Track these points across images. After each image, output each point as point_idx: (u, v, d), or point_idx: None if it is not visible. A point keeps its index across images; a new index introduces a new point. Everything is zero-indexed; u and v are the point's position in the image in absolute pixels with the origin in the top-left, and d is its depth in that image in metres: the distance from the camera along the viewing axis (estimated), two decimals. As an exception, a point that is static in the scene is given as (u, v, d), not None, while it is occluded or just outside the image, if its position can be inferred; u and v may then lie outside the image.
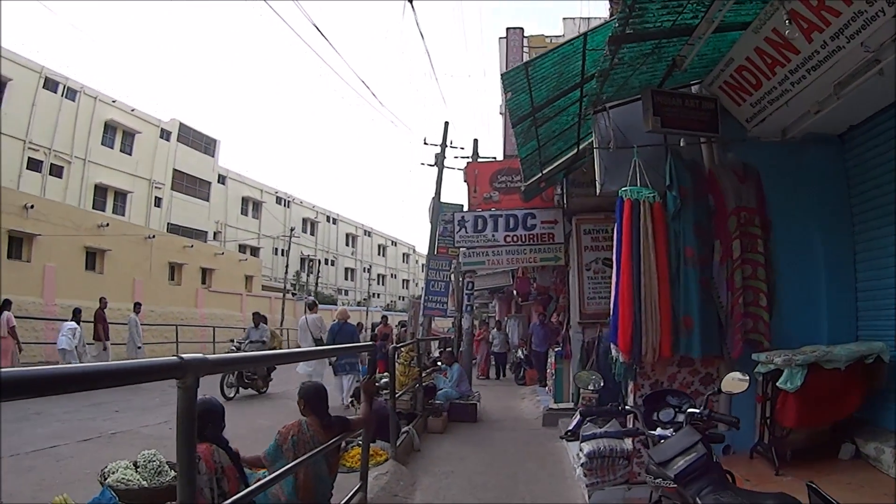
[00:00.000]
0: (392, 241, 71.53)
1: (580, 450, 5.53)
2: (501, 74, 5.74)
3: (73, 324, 13.87)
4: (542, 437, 8.33)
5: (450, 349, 12.87)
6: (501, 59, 22.94)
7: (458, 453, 7.46)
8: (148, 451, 4.24)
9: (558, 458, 7.03)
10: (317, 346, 10.60)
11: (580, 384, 3.53)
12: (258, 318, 13.66)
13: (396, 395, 7.23)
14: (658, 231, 4.95)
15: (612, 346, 5.05)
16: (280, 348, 13.87)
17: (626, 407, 3.41)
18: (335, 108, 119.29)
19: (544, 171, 8.80)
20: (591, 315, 9.24)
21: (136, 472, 4.04)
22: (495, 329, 17.39)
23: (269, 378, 12.79)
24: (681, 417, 3.24)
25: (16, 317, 12.83)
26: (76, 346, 13.70)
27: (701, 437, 2.90)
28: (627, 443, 5.37)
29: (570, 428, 7.44)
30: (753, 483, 4.35)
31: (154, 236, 27.00)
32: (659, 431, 3.15)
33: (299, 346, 12.16)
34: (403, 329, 16.52)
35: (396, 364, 9.46)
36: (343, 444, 5.35)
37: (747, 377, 3.09)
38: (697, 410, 3.08)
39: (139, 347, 15.61)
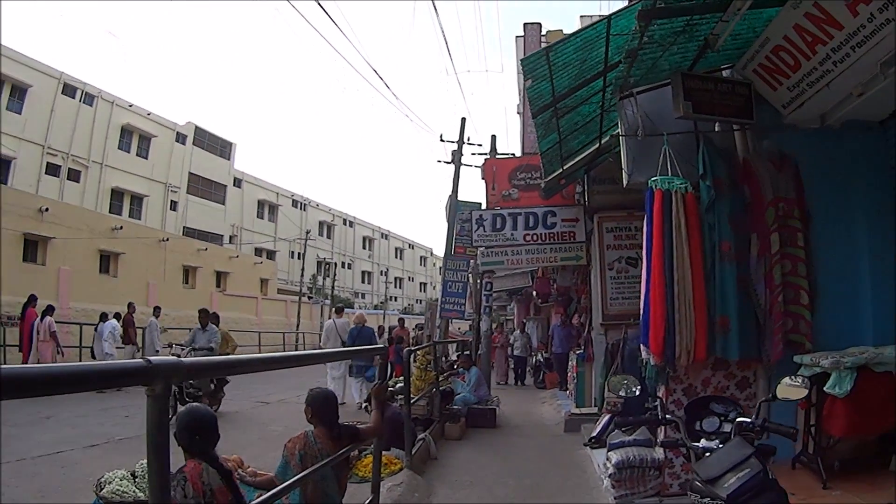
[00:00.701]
0: (409, 244, 71.26)
1: (608, 459, 5.18)
2: (521, 60, 5.42)
3: (115, 322, 13.90)
4: (564, 443, 7.96)
5: (468, 352, 12.52)
6: (519, 57, 22.60)
7: (476, 461, 7.13)
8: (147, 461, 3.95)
9: (582, 467, 6.67)
10: (343, 346, 10.92)
11: (613, 389, 3.20)
12: (206, 317, 10.78)
13: (412, 401, 6.94)
14: (691, 224, 4.60)
15: (642, 347, 4.71)
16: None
17: (667, 416, 3.05)
18: (351, 108, 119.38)
19: (565, 167, 8.46)
20: (614, 316, 8.87)
21: (134, 483, 3.78)
22: (518, 331, 16.72)
23: (220, 393, 10.04)
24: (727, 427, 2.92)
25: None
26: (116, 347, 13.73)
27: (754, 451, 2.57)
28: (658, 452, 5.01)
29: (595, 434, 7.13)
30: (800, 498, 3.99)
31: (168, 239, 26.94)
32: (703, 443, 2.82)
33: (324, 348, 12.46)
34: (420, 332, 16.19)
35: (412, 368, 9.18)
36: (356, 452, 5.08)
37: (806, 383, 2.75)
38: (748, 419, 2.75)
39: (157, 351, 15.41)
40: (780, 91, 4.97)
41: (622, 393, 3.15)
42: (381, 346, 4.40)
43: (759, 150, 5.26)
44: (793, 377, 2.82)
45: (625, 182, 5.46)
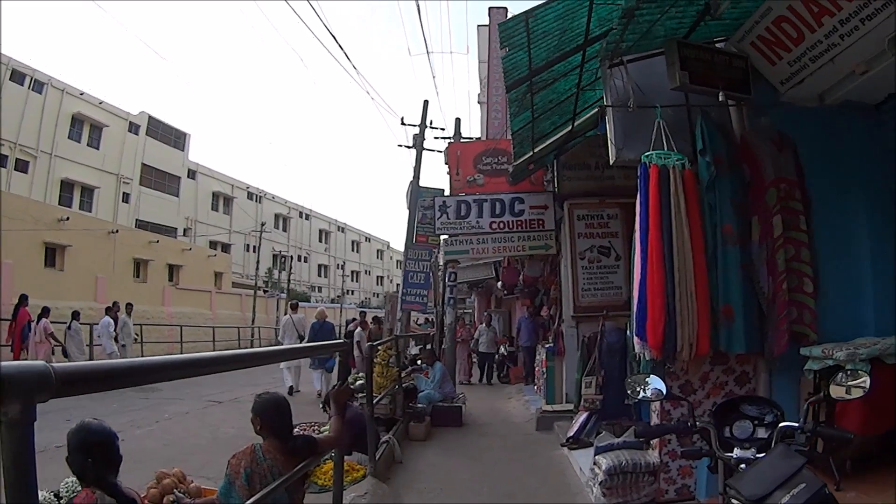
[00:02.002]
0: (366, 237, 70.35)
1: (595, 465, 4.72)
2: (498, 24, 4.92)
3: (109, 319, 13.42)
4: (537, 443, 7.49)
5: (430, 347, 11.93)
6: (482, 46, 22.09)
7: (444, 465, 6.61)
8: (71, 479, 3.38)
9: (560, 470, 6.21)
10: (300, 342, 11.48)
11: (633, 391, 2.70)
12: None
13: (374, 401, 6.40)
14: (691, 203, 4.17)
15: (636, 340, 4.23)
16: None
17: (697, 423, 2.57)
18: (310, 95, 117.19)
19: (536, 150, 7.99)
20: (586, 308, 8.50)
21: (58, 504, 3.21)
22: (483, 324, 15.55)
23: None
24: (762, 433, 2.47)
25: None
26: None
27: (806, 461, 2.12)
28: (652, 455, 4.58)
29: (572, 434, 6.68)
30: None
31: (117, 231, 25.52)
32: (738, 453, 2.36)
33: (281, 343, 13.34)
34: (377, 325, 15.57)
35: (374, 364, 8.60)
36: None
37: (864, 379, 2.31)
38: (794, 423, 2.31)
39: (123, 346, 14.56)
40: (779, 66, 4.60)
41: (648, 394, 2.66)
42: (342, 341, 3.75)
43: (758, 127, 4.86)
44: (848, 371, 2.39)
45: (612, 158, 4.96)
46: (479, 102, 23.73)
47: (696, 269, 4.02)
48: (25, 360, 11.32)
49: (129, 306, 15.07)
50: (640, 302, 4.11)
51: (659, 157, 4.30)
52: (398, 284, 13.17)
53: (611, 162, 4.96)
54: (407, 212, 12.73)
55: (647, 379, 2.68)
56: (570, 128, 7.74)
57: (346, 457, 5.94)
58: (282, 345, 12.97)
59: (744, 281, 4.27)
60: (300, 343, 11.50)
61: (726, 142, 4.64)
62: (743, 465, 2.31)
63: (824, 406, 4.07)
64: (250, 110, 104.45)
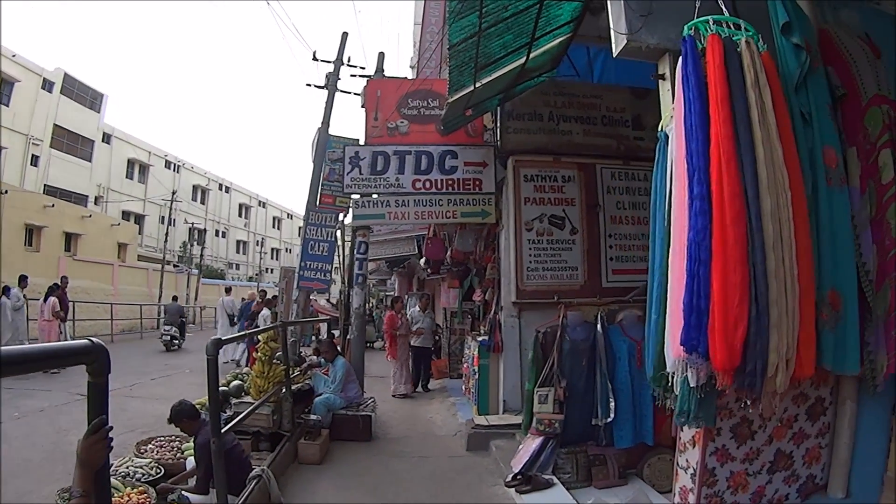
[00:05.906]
0: (288, 214, 67.45)
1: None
2: None
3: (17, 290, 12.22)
4: (470, 472, 5.57)
5: (329, 337, 9.60)
6: (418, 10, 20.05)
7: (342, 508, 4.64)
8: None
9: (506, 521, 4.36)
10: (230, 321, 13.99)
11: None
12: None
13: (253, 408, 4.43)
14: (779, 107, 2.32)
15: (679, 354, 2.30)
16: None
17: None
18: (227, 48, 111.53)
19: (478, 84, 6.07)
20: (531, 293, 6.88)
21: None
22: (416, 308, 11.35)
23: None
24: None
25: None
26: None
27: None
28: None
29: (521, 468, 4.77)
30: None
31: (7, 192, 22.21)
32: None
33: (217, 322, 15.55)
34: (269, 305, 12.92)
35: (256, 360, 6.53)
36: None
37: None
38: None
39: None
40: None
41: None
42: (82, 344, 1.68)
43: (840, 23, 3.12)
44: None
45: (618, 43, 2.99)
46: (411, 67, 21.64)
47: (797, 225, 2.19)
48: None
49: (22, 279, 12.92)
50: (691, 281, 2.21)
51: (718, 27, 2.43)
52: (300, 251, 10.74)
53: (615, 50, 3.01)
54: (312, 166, 10.44)
55: None
56: (524, 58, 5.92)
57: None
58: (217, 323, 15.47)
59: (857, 247, 2.49)
60: (231, 322, 13.90)
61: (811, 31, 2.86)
62: None
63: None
64: (169, 72, 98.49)
